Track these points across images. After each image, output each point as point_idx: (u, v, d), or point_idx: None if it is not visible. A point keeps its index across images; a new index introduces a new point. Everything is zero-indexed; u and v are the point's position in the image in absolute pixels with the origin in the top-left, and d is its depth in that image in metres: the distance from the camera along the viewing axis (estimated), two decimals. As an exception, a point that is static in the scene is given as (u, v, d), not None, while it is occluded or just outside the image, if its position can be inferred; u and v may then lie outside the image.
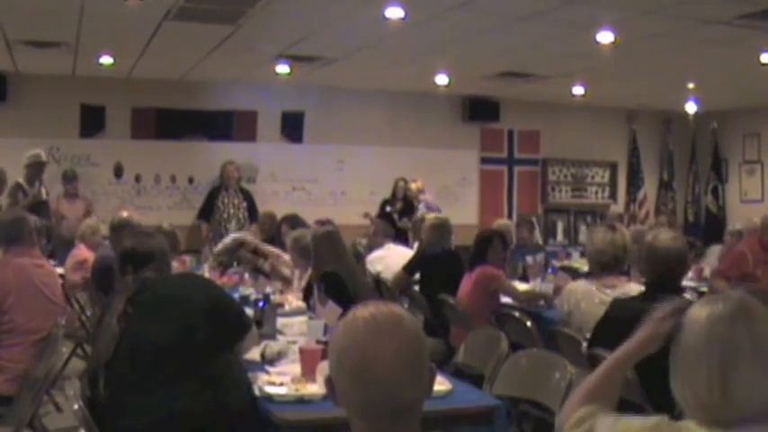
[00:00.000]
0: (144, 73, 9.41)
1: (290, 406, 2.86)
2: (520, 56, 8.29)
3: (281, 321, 4.29)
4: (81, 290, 6.10)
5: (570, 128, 11.76)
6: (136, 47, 7.97)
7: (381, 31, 7.15)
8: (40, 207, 7.92)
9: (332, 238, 4.90)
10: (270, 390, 2.98)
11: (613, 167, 12.41)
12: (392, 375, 1.43)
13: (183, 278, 3.64)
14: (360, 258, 6.47)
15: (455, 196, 11.30)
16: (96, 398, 2.83)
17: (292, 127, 10.62)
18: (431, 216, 7.51)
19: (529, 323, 4.74)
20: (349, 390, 1.46)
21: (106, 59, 8.64)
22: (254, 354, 3.48)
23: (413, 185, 10.19)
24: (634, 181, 12.48)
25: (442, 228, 6.24)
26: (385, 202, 10.44)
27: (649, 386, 2.92)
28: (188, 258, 6.73)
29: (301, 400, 2.90)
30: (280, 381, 3.08)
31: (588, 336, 3.65)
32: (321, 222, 6.80)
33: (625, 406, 1.83)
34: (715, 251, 8.28)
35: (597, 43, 7.35)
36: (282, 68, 9.09)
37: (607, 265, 4.07)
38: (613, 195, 12.46)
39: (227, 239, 7.23)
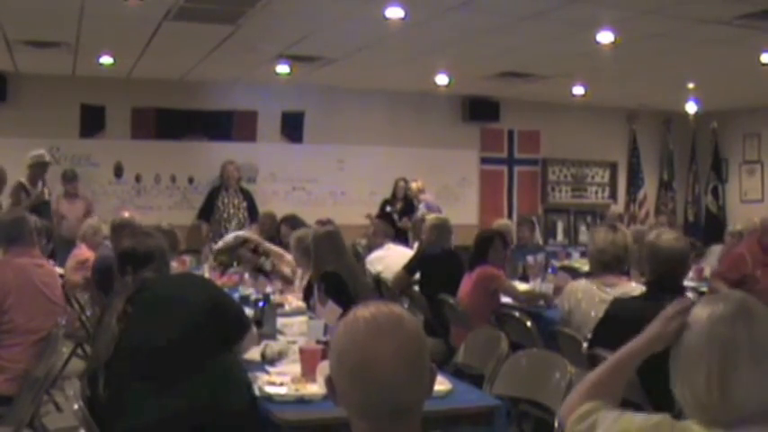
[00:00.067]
0: (144, 73, 9.41)
1: (290, 406, 2.86)
2: (520, 56, 8.29)
3: (281, 321, 4.29)
4: (82, 290, 6.11)
5: (570, 128, 11.76)
6: (136, 47, 7.97)
7: (381, 31, 7.14)
8: (41, 207, 7.93)
9: (332, 237, 4.91)
10: (270, 390, 2.98)
11: (613, 167, 12.40)
12: (392, 375, 1.43)
13: (183, 278, 3.64)
14: (359, 258, 6.47)
15: (455, 196, 11.29)
16: (96, 398, 2.83)
17: (292, 127, 10.62)
18: (431, 216, 7.51)
19: (529, 323, 4.74)
20: (349, 390, 1.46)
21: (106, 59, 8.64)
22: (254, 354, 3.48)
23: (413, 185, 10.18)
24: (634, 181, 12.47)
25: (442, 228, 6.24)
26: (385, 202, 10.42)
27: (649, 386, 2.92)
28: (188, 258, 6.74)
29: (301, 400, 2.90)
30: (280, 381, 3.09)
31: (588, 335, 3.66)
32: (322, 222, 6.80)
33: (625, 406, 1.83)
34: (715, 251, 8.28)
35: (597, 43, 7.35)
36: (282, 68, 9.09)
37: (608, 265, 4.09)
38: (613, 195, 12.45)
39: (229, 237, 7.20)
